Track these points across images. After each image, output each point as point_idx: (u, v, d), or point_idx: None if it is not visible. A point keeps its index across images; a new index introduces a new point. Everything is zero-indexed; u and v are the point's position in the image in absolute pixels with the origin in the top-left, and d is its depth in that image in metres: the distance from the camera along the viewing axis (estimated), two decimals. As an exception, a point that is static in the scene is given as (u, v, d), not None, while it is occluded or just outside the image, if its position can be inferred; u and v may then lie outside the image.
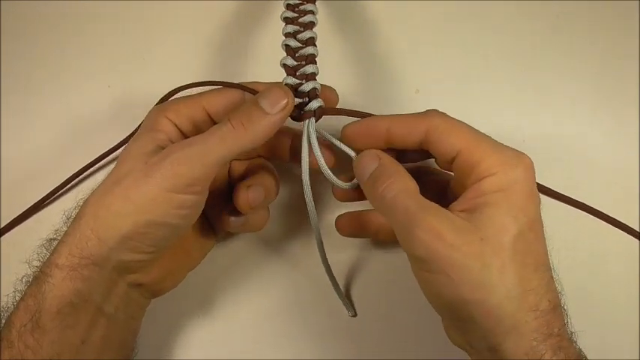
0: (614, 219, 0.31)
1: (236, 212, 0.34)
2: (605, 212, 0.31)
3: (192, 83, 0.36)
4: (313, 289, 0.39)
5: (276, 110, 0.29)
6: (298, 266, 0.39)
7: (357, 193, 0.33)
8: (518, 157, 0.28)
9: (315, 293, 0.39)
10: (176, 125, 0.32)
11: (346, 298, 0.37)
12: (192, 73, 0.43)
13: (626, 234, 0.31)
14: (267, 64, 0.42)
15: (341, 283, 0.37)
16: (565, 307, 0.28)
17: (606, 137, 0.41)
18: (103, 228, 0.28)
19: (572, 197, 0.34)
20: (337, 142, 0.32)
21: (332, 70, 0.42)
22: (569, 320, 0.28)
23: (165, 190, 0.28)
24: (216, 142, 0.29)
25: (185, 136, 0.32)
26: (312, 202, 0.32)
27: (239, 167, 0.36)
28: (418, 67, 0.42)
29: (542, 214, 0.28)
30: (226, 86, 0.34)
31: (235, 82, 0.34)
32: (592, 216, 0.32)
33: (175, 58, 0.44)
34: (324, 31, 0.35)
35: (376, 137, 0.31)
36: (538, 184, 0.29)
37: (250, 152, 0.36)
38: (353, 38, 0.43)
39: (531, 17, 0.43)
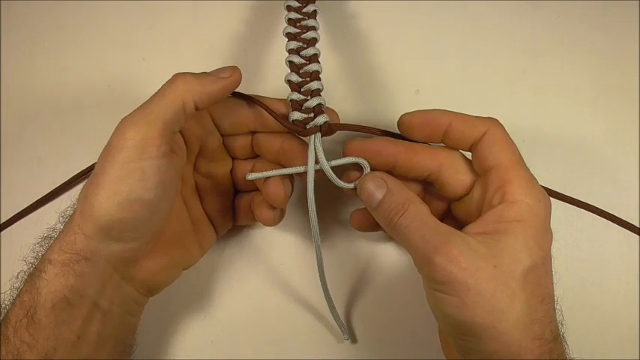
0: (614, 216, 0.31)
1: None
2: (605, 210, 0.31)
3: None
4: (313, 291, 0.39)
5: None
6: (299, 268, 0.39)
7: (375, 223, 0.32)
8: (544, 194, 0.29)
9: (314, 294, 0.39)
10: None
11: (339, 316, 0.37)
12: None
13: (626, 233, 0.31)
14: (268, 64, 0.43)
15: (336, 292, 0.37)
16: (564, 337, 0.29)
17: (606, 136, 0.41)
18: (85, 223, 0.28)
19: (572, 197, 0.35)
20: (338, 161, 0.32)
21: (332, 70, 0.42)
22: (568, 347, 0.29)
23: (123, 163, 0.28)
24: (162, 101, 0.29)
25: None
26: (316, 217, 0.32)
27: (244, 167, 0.36)
28: (418, 67, 0.42)
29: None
30: (235, 96, 0.33)
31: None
32: (592, 214, 0.32)
33: (175, 58, 0.44)
34: (321, 32, 0.35)
35: (436, 129, 0.31)
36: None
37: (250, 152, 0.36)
38: (352, 38, 0.43)
39: (531, 17, 0.43)
